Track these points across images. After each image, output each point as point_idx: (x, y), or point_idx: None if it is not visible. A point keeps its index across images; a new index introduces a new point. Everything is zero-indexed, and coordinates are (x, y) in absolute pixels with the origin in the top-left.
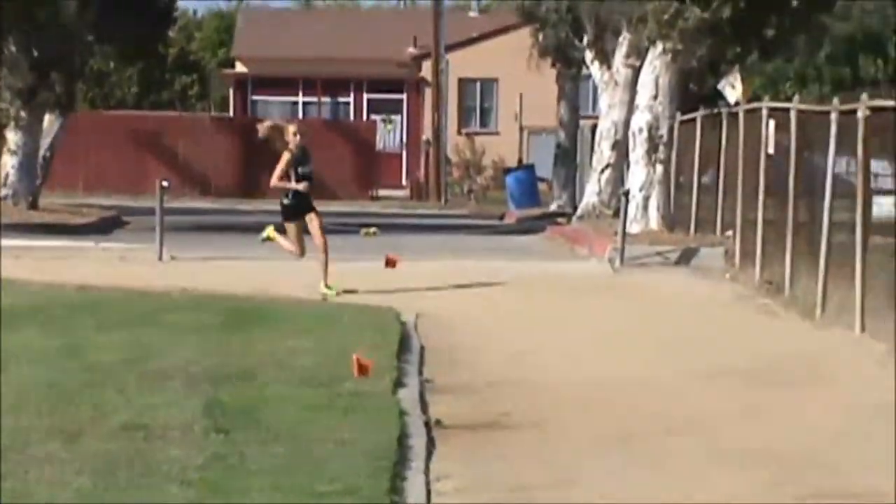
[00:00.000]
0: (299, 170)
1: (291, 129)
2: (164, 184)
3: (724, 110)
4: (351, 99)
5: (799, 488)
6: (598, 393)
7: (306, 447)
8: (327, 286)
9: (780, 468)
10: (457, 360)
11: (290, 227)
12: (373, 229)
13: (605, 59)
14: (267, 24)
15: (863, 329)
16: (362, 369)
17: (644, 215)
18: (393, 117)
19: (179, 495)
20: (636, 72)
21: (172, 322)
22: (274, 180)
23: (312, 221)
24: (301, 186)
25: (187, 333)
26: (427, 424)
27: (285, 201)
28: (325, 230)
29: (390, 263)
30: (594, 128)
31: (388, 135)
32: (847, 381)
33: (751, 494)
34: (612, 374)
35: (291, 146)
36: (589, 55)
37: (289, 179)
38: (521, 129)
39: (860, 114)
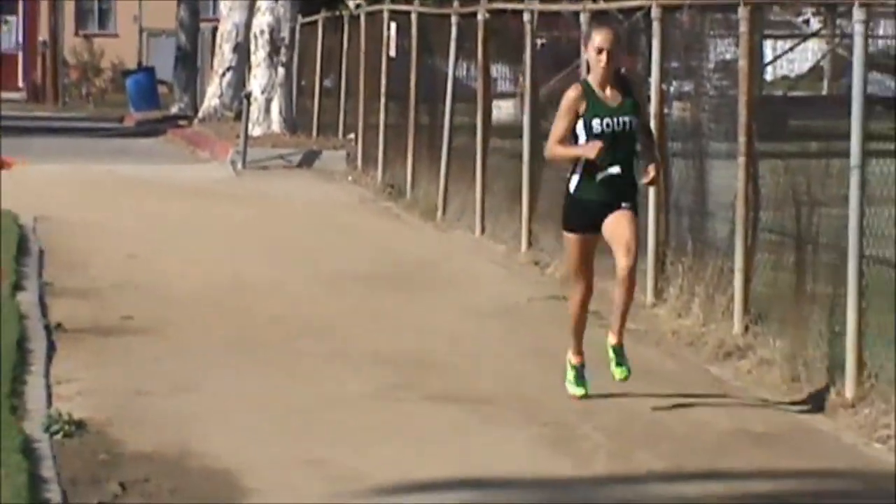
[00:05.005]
0: (594, 122)
1: (597, 38)
2: None
3: (345, 13)
4: None
5: (420, 390)
6: (220, 297)
7: None
8: (617, 348)
9: (402, 370)
10: (77, 263)
11: (572, 239)
12: None
13: None
14: None
15: (483, 231)
16: None
17: (266, 118)
18: (9, 18)
19: None
20: None
21: None
22: (549, 146)
23: (620, 225)
24: (613, 170)
25: None
26: (47, 328)
27: (570, 188)
28: None
29: (5, 165)
30: (215, 30)
31: (5, 36)
32: (466, 283)
33: (373, 395)
34: (234, 277)
35: (588, 74)
36: None
37: (575, 141)
38: (141, 30)
39: (480, 17)
